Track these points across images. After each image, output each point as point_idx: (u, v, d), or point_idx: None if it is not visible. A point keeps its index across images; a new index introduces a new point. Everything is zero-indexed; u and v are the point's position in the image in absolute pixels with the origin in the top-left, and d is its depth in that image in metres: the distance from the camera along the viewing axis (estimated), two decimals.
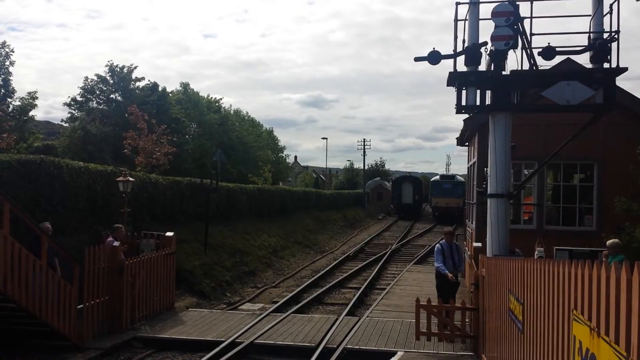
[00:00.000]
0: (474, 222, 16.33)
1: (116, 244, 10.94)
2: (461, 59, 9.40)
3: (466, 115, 14.59)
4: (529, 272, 4.98)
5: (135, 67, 42.13)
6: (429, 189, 58.03)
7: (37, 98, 33.57)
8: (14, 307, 8.49)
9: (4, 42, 33.15)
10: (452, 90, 9.61)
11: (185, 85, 51.75)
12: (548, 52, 9.04)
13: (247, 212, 26.34)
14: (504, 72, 9.29)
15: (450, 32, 9.47)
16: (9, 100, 33.21)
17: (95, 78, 41.22)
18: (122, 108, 37.19)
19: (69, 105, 41.46)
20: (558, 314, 3.92)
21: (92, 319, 10.16)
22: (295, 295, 16.47)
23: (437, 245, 11.32)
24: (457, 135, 19.44)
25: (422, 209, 61.02)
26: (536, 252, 10.87)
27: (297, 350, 10.20)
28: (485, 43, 9.31)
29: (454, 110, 9.65)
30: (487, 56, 9.44)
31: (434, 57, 9.39)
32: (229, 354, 9.63)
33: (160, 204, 18.38)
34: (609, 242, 9.38)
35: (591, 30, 9.13)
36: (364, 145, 72.90)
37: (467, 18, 9.42)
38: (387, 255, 25.26)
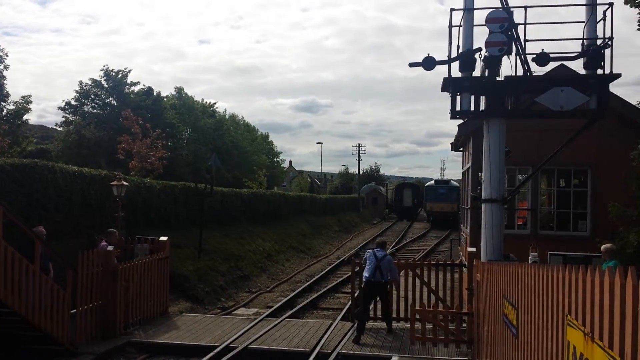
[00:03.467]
0: (468, 227, 16.35)
1: (110, 248, 10.89)
2: (455, 65, 9.44)
3: (460, 121, 14.64)
4: (523, 277, 4.99)
5: (130, 71, 42.16)
6: (424, 194, 58.38)
7: (31, 102, 33.50)
8: (7, 311, 8.43)
9: None
10: (446, 96, 9.64)
11: (179, 90, 51.71)
12: (542, 58, 9.09)
13: (242, 216, 26.28)
14: (498, 78, 9.33)
15: (444, 39, 9.53)
16: (3, 104, 33.11)
17: (90, 82, 41.18)
18: (116, 112, 37.15)
19: (63, 109, 41.37)
20: (552, 318, 3.93)
21: (85, 323, 10.10)
22: (289, 300, 16.44)
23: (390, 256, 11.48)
24: (452, 140, 19.49)
25: (419, 212, 66.33)
26: (530, 257, 10.89)
27: (292, 355, 10.17)
28: (479, 49, 9.36)
29: (449, 116, 9.68)
30: (482, 62, 9.47)
31: (429, 63, 9.43)
32: (223, 359, 9.59)
33: (155, 208, 18.33)
34: (603, 246, 9.41)
35: (585, 37, 9.19)
36: (359, 150, 72.91)
37: (462, 24, 9.46)
38: None
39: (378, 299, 11.54)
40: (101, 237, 12.37)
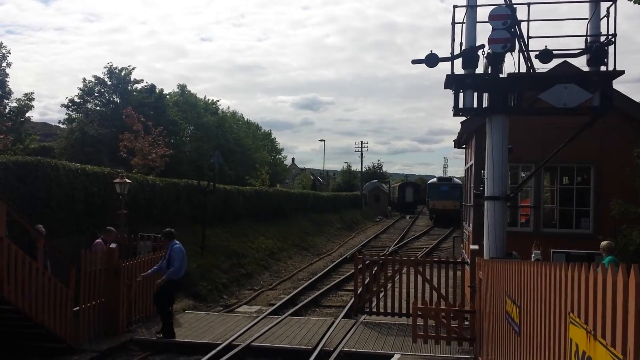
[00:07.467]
0: (471, 224, 16.33)
1: (112, 245, 10.92)
2: (458, 62, 9.42)
3: (463, 118, 14.60)
4: (526, 275, 4.98)
5: (134, 69, 42.17)
6: (427, 191, 58.44)
7: (33, 99, 33.55)
8: (10, 309, 8.45)
9: (1, 44, 33.16)
10: (448, 93, 9.64)
11: (182, 87, 51.75)
12: (545, 55, 9.06)
13: (244, 214, 26.29)
14: (501, 75, 9.31)
15: (446, 37, 9.51)
16: (6, 101, 33.16)
17: (93, 80, 41.22)
18: (120, 110, 37.15)
19: (66, 106, 41.42)
20: (554, 316, 3.92)
21: (88, 321, 10.12)
22: (292, 298, 16.45)
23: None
24: (454, 137, 19.45)
25: (418, 208, 72.95)
26: (533, 255, 10.87)
27: (294, 353, 10.18)
28: (482, 46, 9.33)
29: (451, 113, 9.69)
30: (485, 59, 9.46)
31: (432, 60, 9.41)
32: (226, 357, 9.60)
33: (157, 205, 18.35)
34: (601, 244, 9.40)
35: (588, 34, 9.16)
36: (362, 147, 72.75)
37: (465, 21, 9.44)
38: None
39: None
40: (100, 234, 12.40)
